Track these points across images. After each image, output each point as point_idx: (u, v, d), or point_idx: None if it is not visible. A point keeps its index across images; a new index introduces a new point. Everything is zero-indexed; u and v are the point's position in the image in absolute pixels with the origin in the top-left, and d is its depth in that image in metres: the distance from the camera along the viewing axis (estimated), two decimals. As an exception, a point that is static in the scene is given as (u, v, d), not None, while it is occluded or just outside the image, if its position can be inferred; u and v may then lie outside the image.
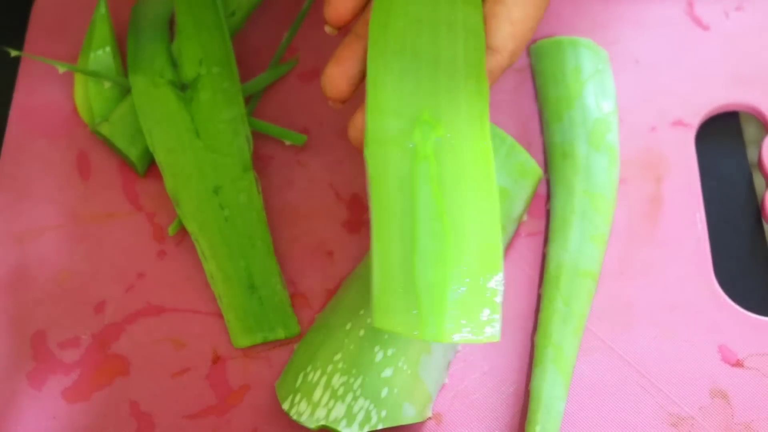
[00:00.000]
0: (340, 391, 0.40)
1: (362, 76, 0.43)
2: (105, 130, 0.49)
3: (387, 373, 0.41)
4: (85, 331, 0.46)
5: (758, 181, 0.51)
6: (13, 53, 0.49)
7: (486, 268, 0.38)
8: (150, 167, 0.50)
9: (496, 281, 0.37)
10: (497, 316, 0.37)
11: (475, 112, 0.41)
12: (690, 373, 0.44)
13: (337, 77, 0.43)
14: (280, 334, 0.45)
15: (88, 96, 0.51)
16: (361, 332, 0.42)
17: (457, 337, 0.36)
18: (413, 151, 0.40)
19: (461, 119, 0.41)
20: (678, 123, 0.51)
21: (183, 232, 0.48)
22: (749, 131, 0.54)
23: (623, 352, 0.44)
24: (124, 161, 0.50)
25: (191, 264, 0.47)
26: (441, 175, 0.40)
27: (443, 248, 0.38)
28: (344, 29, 0.44)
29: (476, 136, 0.41)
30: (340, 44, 0.44)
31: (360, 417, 0.40)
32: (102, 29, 0.52)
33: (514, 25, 0.42)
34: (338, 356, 0.41)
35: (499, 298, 0.37)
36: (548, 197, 0.48)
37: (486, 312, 0.37)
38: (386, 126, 0.41)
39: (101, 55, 0.52)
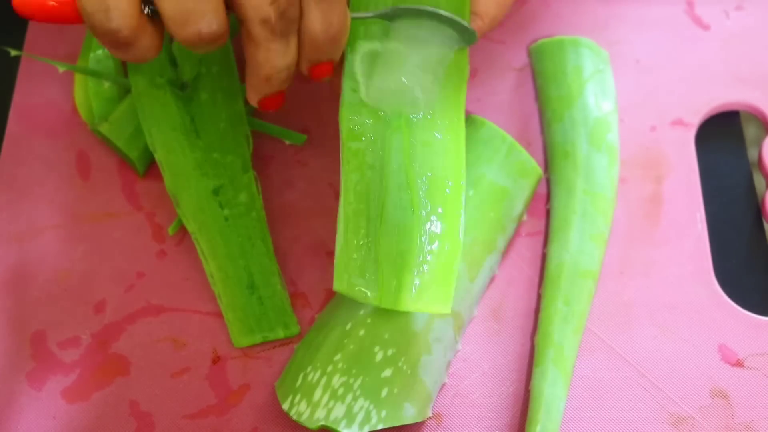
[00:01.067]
0: (340, 392, 0.40)
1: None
2: (105, 129, 0.49)
3: (387, 373, 0.41)
4: (85, 331, 0.46)
5: (758, 180, 0.51)
6: (13, 53, 0.49)
7: (447, 244, 0.40)
8: (150, 167, 0.50)
9: (454, 256, 0.40)
10: (450, 292, 0.39)
11: (450, 87, 0.42)
12: (690, 373, 0.44)
13: None
14: (280, 333, 0.45)
15: (87, 96, 0.51)
16: (361, 332, 0.42)
17: (411, 307, 0.39)
18: (386, 121, 0.42)
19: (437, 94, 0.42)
20: (678, 123, 0.51)
21: (183, 232, 0.48)
22: (749, 131, 0.54)
23: (623, 351, 0.44)
24: (123, 161, 0.50)
25: (191, 264, 0.47)
26: (412, 148, 0.41)
27: (408, 220, 0.40)
28: None
29: (450, 111, 0.42)
30: None
31: (360, 417, 0.40)
32: (102, 29, 0.52)
33: None
34: (338, 356, 0.41)
35: (454, 274, 0.40)
36: (548, 197, 0.48)
37: (441, 287, 0.39)
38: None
39: (101, 55, 0.52)
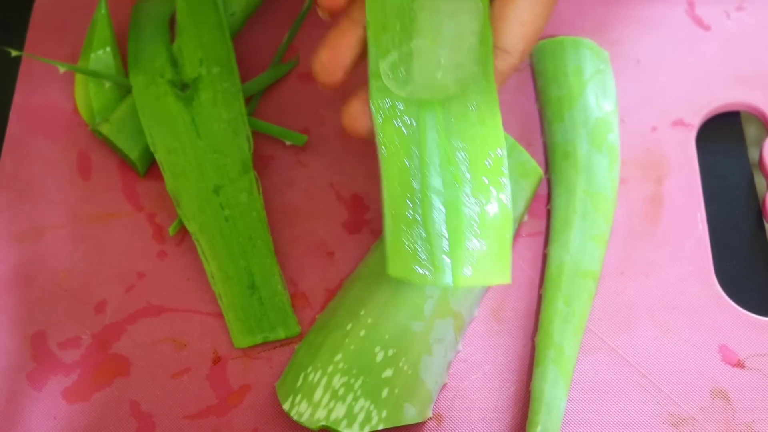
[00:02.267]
0: (341, 392, 0.40)
1: (355, 64, 0.43)
2: (105, 130, 0.49)
3: (387, 373, 0.41)
4: (86, 331, 0.46)
5: (759, 181, 0.51)
6: (14, 53, 0.49)
7: (496, 213, 0.39)
8: (150, 167, 0.50)
9: (506, 225, 0.39)
10: (508, 261, 0.39)
11: (481, 73, 0.42)
12: (691, 374, 0.44)
13: (330, 64, 0.43)
14: (281, 334, 0.45)
15: (88, 96, 0.51)
16: (362, 332, 0.42)
17: (471, 282, 0.38)
18: (419, 101, 0.41)
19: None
20: (679, 123, 0.50)
21: (183, 232, 0.48)
22: (750, 131, 0.54)
23: (624, 352, 0.44)
24: (124, 161, 0.50)
25: (192, 264, 0.47)
26: (447, 123, 0.41)
27: (454, 196, 0.39)
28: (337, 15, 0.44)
29: (481, 80, 0.42)
30: (334, 28, 0.43)
31: (360, 417, 0.40)
32: (102, 29, 0.52)
33: (524, 26, 0.42)
34: (339, 357, 0.41)
35: (509, 243, 0.39)
36: (549, 197, 0.48)
37: (498, 257, 0.39)
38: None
39: (102, 55, 0.52)
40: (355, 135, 0.42)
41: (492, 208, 0.40)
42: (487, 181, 0.40)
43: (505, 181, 0.40)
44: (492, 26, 0.42)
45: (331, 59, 0.42)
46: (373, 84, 0.41)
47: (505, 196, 0.40)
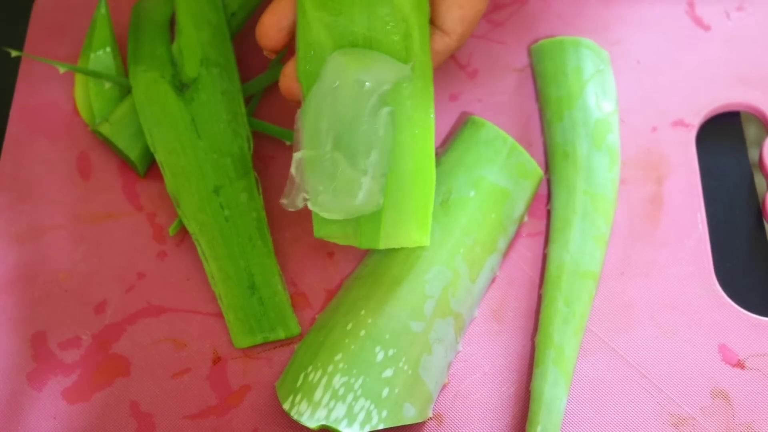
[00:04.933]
0: (341, 392, 0.40)
1: (294, 26, 0.44)
2: (105, 130, 0.49)
3: (388, 373, 0.41)
4: (86, 332, 0.46)
5: (759, 181, 0.51)
6: (14, 53, 0.49)
7: (419, 175, 0.42)
8: (150, 167, 0.50)
9: (429, 187, 0.42)
10: (428, 221, 0.42)
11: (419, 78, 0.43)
12: (691, 374, 0.44)
13: (271, 27, 0.44)
14: (281, 334, 0.45)
15: (88, 96, 0.51)
16: (362, 332, 0.42)
17: (390, 243, 0.42)
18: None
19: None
20: (679, 123, 0.51)
21: (183, 233, 0.48)
22: (750, 131, 0.54)
23: (624, 352, 0.44)
24: (124, 161, 0.50)
25: (192, 264, 0.47)
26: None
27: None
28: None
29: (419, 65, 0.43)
30: None
31: (361, 417, 0.40)
32: (102, 29, 0.52)
33: (462, 9, 0.43)
34: (339, 356, 0.41)
35: (431, 204, 0.42)
36: (549, 198, 0.48)
37: (417, 217, 0.42)
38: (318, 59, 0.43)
39: (101, 56, 0.52)
40: (291, 95, 0.44)
41: (415, 171, 0.42)
42: (409, 142, 0.42)
43: (431, 141, 0.42)
44: (431, 7, 0.43)
45: (272, 22, 0.44)
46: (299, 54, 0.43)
47: (430, 158, 0.42)
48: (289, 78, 0.44)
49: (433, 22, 0.43)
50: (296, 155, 0.42)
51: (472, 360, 0.45)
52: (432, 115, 0.42)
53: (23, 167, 0.51)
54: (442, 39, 0.44)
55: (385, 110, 0.41)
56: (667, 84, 0.52)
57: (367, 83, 0.41)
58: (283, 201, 0.42)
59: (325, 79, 0.42)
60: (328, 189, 0.41)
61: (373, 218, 0.42)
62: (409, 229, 0.42)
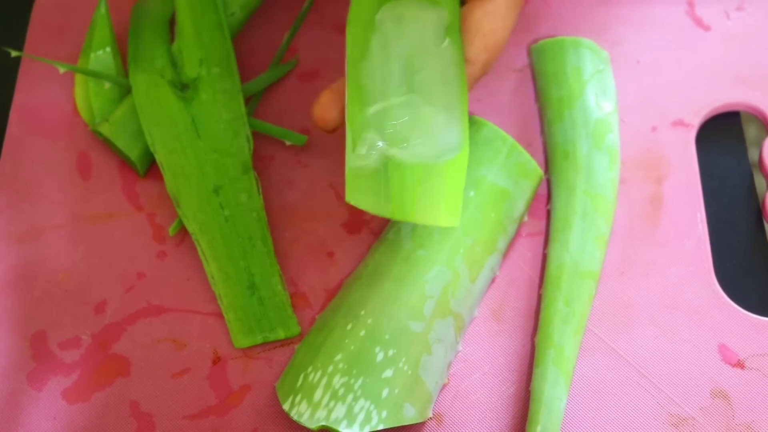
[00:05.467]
0: (341, 392, 0.40)
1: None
2: (105, 130, 0.49)
3: (387, 373, 0.41)
4: (86, 332, 0.46)
5: (759, 181, 0.51)
6: (14, 53, 0.49)
7: (454, 156, 0.41)
8: (150, 167, 0.50)
9: (460, 170, 0.41)
10: (459, 202, 0.41)
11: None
12: (690, 374, 0.44)
13: (329, 102, 0.44)
14: (281, 334, 0.45)
15: (88, 96, 0.51)
16: (362, 333, 0.42)
17: (422, 219, 0.40)
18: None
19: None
20: (679, 123, 0.51)
21: (183, 233, 0.48)
22: (750, 131, 0.54)
23: (624, 352, 0.44)
24: (124, 161, 0.50)
25: (191, 264, 0.47)
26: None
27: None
28: None
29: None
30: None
31: (361, 417, 0.40)
32: (102, 29, 0.52)
33: (485, 37, 0.44)
34: (339, 357, 0.41)
35: (461, 186, 0.41)
36: (549, 198, 0.48)
37: (449, 198, 0.41)
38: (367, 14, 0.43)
39: (101, 56, 0.52)
40: (324, 126, 0.44)
41: (449, 155, 0.41)
42: (450, 117, 0.42)
43: (466, 120, 0.42)
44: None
45: (330, 99, 0.44)
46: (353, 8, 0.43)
47: (465, 138, 0.41)
48: (323, 107, 0.44)
49: None
50: (371, 110, 0.41)
51: (472, 360, 0.45)
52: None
53: (23, 167, 0.51)
54: (467, 68, 0.44)
55: (446, 42, 0.41)
56: (667, 84, 0.52)
57: (425, 18, 0.41)
58: (353, 165, 0.41)
59: (382, 28, 0.42)
60: (411, 135, 0.40)
61: (407, 188, 0.41)
62: (441, 208, 0.41)
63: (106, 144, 0.50)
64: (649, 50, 0.53)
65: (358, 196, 0.40)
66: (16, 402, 0.44)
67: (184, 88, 0.49)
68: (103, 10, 0.53)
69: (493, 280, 0.46)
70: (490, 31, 0.44)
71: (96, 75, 0.51)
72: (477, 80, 0.45)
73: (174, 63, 0.50)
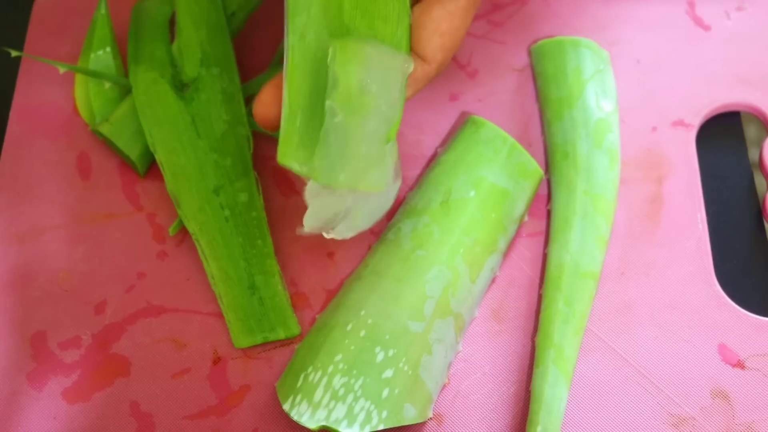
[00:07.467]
0: (341, 392, 0.40)
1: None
2: (105, 130, 0.49)
3: (388, 373, 0.41)
4: (86, 332, 0.46)
5: (759, 181, 0.51)
6: (14, 53, 0.49)
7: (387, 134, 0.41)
8: (150, 167, 0.50)
9: (390, 146, 0.41)
10: (387, 171, 0.41)
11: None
12: (691, 374, 0.44)
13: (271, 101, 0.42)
14: (281, 334, 0.45)
15: (88, 96, 0.51)
16: (362, 333, 0.42)
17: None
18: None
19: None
20: (679, 123, 0.51)
21: (183, 233, 0.48)
22: (750, 131, 0.54)
23: (624, 352, 0.44)
24: (124, 161, 0.50)
25: (192, 264, 0.47)
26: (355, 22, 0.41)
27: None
28: None
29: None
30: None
31: (361, 418, 0.40)
32: (102, 29, 0.52)
33: (443, 37, 0.42)
34: (339, 357, 0.41)
35: (392, 155, 0.41)
36: (549, 198, 0.48)
37: (377, 165, 0.40)
38: None
39: (101, 56, 0.52)
40: (266, 123, 0.42)
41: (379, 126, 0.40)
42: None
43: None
44: (411, 34, 0.42)
45: (273, 94, 0.42)
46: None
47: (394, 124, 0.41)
48: (264, 104, 0.42)
49: (412, 49, 0.43)
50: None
51: (472, 360, 0.45)
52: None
53: (23, 167, 0.51)
54: (421, 67, 0.43)
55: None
56: (667, 84, 0.52)
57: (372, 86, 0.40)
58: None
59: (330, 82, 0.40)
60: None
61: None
62: (370, 173, 0.40)
63: (106, 144, 0.50)
64: (649, 50, 0.53)
65: (288, 156, 0.39)
66: (16, 402, 0.44)
67: (184, 87, 0.49)
68: (103, 10, 0.53)
69: (493, 281, 0.46)
70: (448, 31, 0.42)
71: (96, 75, 0.51)
72: (431, 80, 0.44)
73: (174, 63, 0.50)
